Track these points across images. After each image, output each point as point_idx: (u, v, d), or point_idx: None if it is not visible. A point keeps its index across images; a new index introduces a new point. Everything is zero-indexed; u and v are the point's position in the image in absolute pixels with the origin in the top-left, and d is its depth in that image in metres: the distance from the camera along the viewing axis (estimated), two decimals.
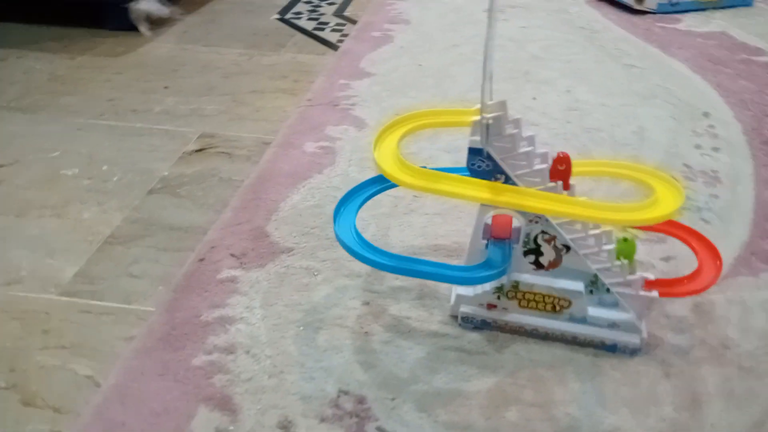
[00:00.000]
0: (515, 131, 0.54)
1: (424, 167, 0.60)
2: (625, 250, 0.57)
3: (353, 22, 1.49)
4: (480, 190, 0.54)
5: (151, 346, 0.61)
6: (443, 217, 0.79)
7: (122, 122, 1.03)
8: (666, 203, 0.52)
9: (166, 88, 1.14)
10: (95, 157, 0.93)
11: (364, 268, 0.69)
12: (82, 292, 0.69)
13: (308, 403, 0.56)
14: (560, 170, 0.54)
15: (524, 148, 0.54)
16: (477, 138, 0.54)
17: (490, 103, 0.53)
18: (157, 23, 1.39)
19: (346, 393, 0.57)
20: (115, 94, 1.11)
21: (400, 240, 0.76)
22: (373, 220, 0.78)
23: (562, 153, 0.54)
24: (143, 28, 1.35)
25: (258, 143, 0.97)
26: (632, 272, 0.58)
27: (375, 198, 0.66)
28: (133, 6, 1.33)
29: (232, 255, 0.72)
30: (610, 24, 1.46)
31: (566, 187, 0.55)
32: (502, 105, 0.53)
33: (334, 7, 1.59)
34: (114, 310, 0.67)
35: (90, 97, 1.10)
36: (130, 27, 1.35)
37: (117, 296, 0.69)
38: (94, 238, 0.77)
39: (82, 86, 1.14)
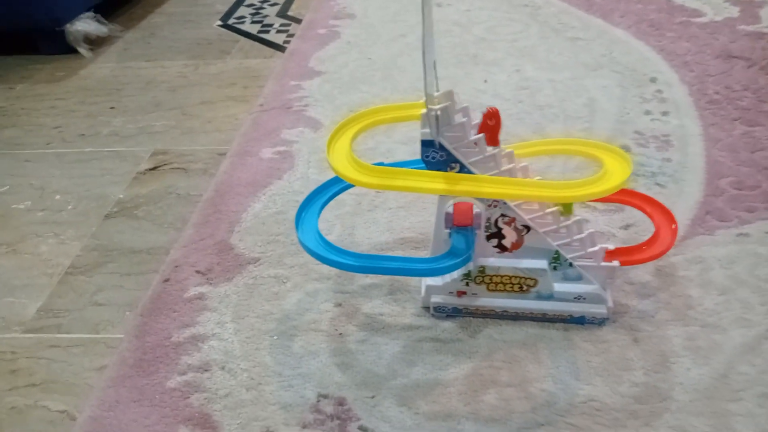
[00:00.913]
0: (464, 119, 0.54)
1: (381, 163, 0.60)
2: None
3: (298, 21, 1.47)
4: (436, 182, 0.55)
5: (124, 373, 0.60)
6: (407, 209, 0.80)
7: (71, 149, 1.00)
8: (614, 175, 0.53)
9: (112, 108, 1.12)
10: (47, 188, 0.91)
11: (333, 270, 0.69)
12: (47, 327, 0.68)
13: (289, 411, 0.56)
14: (490, 125, 0.55)
15: (475, 136, 0.55)
16: (428, 130, 0.54)
17: (436, 94, 0.54)
18: (96, 43, 1.36)
19: (325, 396, 0.57)
20: (60, 120, 1.09)
21: (366, 237, 0.76)
22: (337, 221, 0.78)
23: (492, 108, 0.54)
24: (83, 49, 1.31)
25: (213, 155, 0.96)
26: (568, 217, 0.58)
27: (338, 198, 0.66)
28: (69, 28, 1.29)
29: (198, 272, 0.71)
30: None
31: (495, 142, 0.56)
32: (449, 95, 0.53)
33: (276, 8, 1.57)
34: (82, 341, 0.66)
35: (34, 126, 1.07)
36: (68, 50, 1.31)
37: (84, 327, 0.67)
38: (54, 271, 0.75)
39: (24, 116, 1.11)
